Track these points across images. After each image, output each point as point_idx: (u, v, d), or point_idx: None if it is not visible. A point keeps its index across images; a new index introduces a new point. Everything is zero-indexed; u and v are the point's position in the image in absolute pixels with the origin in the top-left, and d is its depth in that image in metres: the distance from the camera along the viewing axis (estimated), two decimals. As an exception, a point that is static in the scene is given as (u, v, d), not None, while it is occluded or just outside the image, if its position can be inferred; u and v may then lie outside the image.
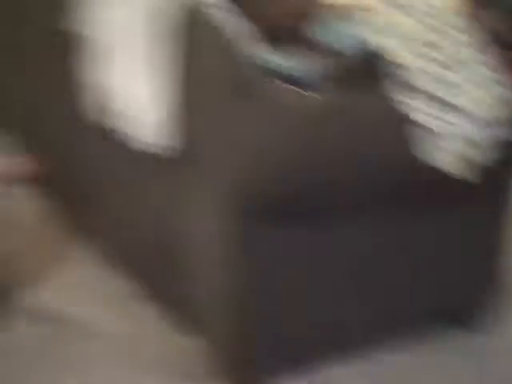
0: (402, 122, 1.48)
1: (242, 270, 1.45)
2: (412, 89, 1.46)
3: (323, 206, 1.49)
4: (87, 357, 1.62)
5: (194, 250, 1.53)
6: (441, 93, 1.46)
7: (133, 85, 1.52)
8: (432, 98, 1.46)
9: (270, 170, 1.39)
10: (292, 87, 1.45)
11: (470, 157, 1.49)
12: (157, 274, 1.72)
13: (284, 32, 1.66)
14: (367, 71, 1.49)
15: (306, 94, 1.44)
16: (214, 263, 1.49)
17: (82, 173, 1.94)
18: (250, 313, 1.50)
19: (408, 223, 1.63)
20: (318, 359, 1.62)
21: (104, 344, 1.66)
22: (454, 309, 1.82)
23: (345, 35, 1.56)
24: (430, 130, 1.46)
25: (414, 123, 1.46)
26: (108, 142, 1.71)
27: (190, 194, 1.51)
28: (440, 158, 1.47)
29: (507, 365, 1.74)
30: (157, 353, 1.64)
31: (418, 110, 1.45)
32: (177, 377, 1.58)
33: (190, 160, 1.47)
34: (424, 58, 1.47)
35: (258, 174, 1.39)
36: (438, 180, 1.52)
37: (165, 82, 1.45)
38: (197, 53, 1.43)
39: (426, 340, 1.74)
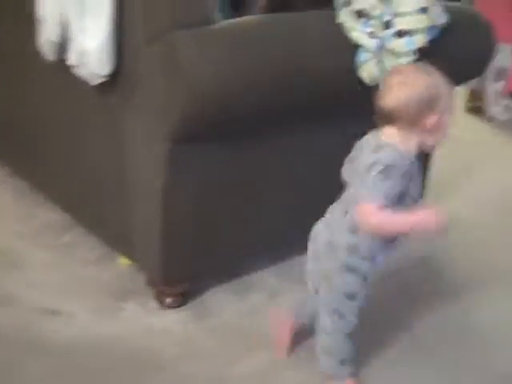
0: (339, 39, 1.53)
1: (171, 192, 1.47)
2: (352, 10, 1.54)
3: (251, 128, 1.50)
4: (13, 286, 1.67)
5: (128, 176, 1.54)
6: (377, 13, 1.55)
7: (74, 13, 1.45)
8: (370, 17, 1.54)
9: (202, 95, 1.33)
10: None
11: (391, 66, 1.56)
12: (92, 204, 1.76)
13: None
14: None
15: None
16: (145, 187, 1.51)
17: (28, 108, 1.92)
18: (174, 231, 1.53)
19: (339, 136, 1.65)
20: (243, 266, 1.78)
21: (32, 272, 1.73)
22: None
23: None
24: (365, 47, 1.55)
25: (352, 41, 1.55)
26: (56, 75, 1.66)
27: (124, 123, 1.51)
28: (365, 70, 1.57)
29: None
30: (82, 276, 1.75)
31: (357, 29, 1.55)
32: (101, 296, 1.68)
33: (125, 88, 1.47)
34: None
35: (190, 98, 1.33)
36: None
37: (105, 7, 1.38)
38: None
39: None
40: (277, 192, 1.69)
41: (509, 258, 2.00)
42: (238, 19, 1.47)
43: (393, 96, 1.27)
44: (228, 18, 1.48)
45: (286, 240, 1.82)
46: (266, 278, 1.79)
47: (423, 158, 1.96)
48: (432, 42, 1.59)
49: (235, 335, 1.58)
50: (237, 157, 1.55)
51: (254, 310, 1.68)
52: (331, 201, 1.78)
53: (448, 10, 1.65)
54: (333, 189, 1.77)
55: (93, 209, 1.77)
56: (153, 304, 1.65)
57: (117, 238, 1.72)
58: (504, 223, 2.18)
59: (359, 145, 1.34)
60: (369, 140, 1.33)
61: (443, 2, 1.72)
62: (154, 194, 1.48)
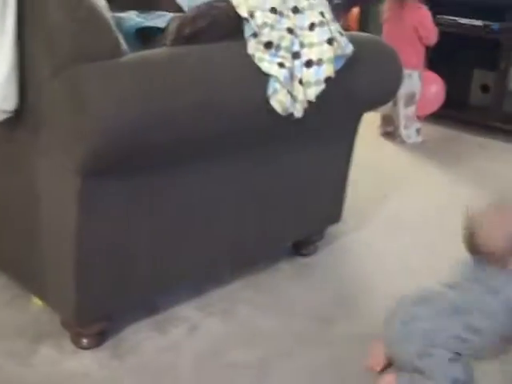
0: (249, 70, 1.54)
1: (83, 229, 1.44)
2: (261, 41, 1.56)
3: (164, 161, 1.49)
4: None
5: (40, 214, 1.50)
6: (286, 44, 1.59)
7: None
8: (278, 48, 1.58)
9: (108, 130, 1.30)
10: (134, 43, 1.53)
11: (301, 96, 1.60)
12: (3, 243, 1.69)
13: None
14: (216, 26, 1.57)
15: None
16: (57, 224, 1.47)
17: None
18: (88, 269, 1.49)
19: (255, 167, 1.73)
20: (162, 300, 1.77)
21: None
22: (302, 241, 2.06)
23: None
24: (275, 77, 1.55)
25: (262, 71, 1.55)
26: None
27: (33, 159, 1.47)
28: (277, 100, 1.56)
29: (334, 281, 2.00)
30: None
31: (266, 60, 1.55)
32: (14, 339, 1.61)
33: (31, 123, 1.42)
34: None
35: (97, 133, 1.29)
36: (284, 122, 1.60)
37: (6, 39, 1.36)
38: (40, 11, 1.34)
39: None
40: (194, 225, 1.67)
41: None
42: (145, 52, 1.45)
43: (492, 239, 1.45)
44: (136, 50, 1.46)
45: (203, 273, 1.80)
46: (186, 311, 1.76)
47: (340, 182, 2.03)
48: (339, 71, 1.63)
49: (155, 373, 1.54)
50: (152, 190, 1.52)
51: (174, 345, 1.64)
52: (247, 233, 1.80)
53: (353, 39, 1.70)
54: (247, 221, 1.79)
55: (4, 248, 1.70)
56: (69, 346, 1.59)
57: (29, 278, 1.65)
58: (419, 247, 2.22)
59: (469, 274, 1.51)
60: (483, 272, 1.48)
61: (349, 32, 1.78)
62: (66, 231, 1.44)
